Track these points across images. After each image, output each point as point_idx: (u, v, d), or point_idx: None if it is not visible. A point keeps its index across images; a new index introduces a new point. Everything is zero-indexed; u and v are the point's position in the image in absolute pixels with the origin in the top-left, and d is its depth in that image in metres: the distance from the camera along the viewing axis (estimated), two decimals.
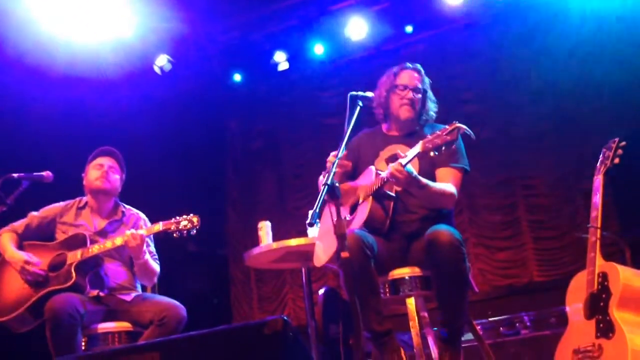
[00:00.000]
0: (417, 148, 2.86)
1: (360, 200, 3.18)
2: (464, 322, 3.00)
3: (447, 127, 2.80)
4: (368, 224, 3.10)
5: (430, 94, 3.38)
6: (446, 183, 3.12)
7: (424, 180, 3.01)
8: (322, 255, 3.13)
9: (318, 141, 6.87)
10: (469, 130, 2.80)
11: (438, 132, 2.80)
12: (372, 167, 3.19)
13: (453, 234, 2.92)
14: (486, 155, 6.18)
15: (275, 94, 7.40)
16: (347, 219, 3.22)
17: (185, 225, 3.44)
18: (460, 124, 2.78)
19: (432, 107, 3.38)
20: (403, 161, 2.89)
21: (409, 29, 6.50)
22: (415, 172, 2.96)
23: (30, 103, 5.53)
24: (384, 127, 3.46)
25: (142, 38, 6.17)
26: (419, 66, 3.41)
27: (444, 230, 2.92)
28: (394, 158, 2.98)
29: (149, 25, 6.11)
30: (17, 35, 5.26)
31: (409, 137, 3.29)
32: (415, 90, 3.32)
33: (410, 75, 3.35)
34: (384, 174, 3.00)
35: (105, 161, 3.76)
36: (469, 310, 3.08)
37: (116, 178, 3.77)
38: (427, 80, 3.40)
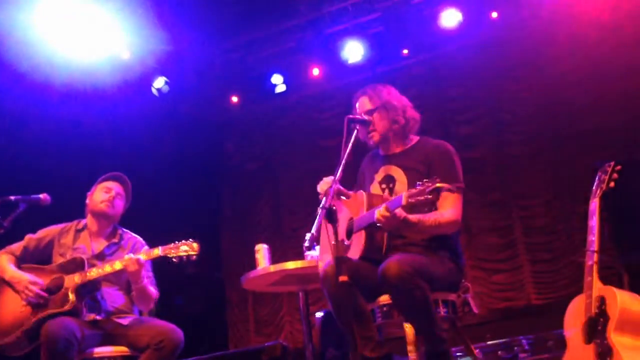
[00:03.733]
0: (402, 200, 2.78)
1: (355, 230, 3.17)
2: (443, 347, 2.89)
3: (429, 183, 2.70)
4: (365, 256, 3.07)
5: (393, 104, 3.25)
6: (443, 210, 3.06)
7: (415, 218, 2.94)
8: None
9: (315, 163, 6.88)
10: (453, 188, 2.81)
11: (421, 188, 2.71)
12: (364, 194, 3.14)
13: (401, 265, 2.80)
14: (481, 175, 6.20)
15: (272, 115, 7.43)
16: (346, 243, 3.20)
17: (185, 250, 3.41)
18: (441, 183, 2.70)
19: (403, 115, 3.24)
20: (391, 205, 2.81)
21: (405, 51, 6.55)
22: (404, 215, 2.88)
23: (27, 125, 5.54)
24: (380, 148, 3.42)
25: (140, 60, 6.22)
26: (368, 88, 3.30)
27: (392, 262, 2.83)
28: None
29: (147, 47, 6.16)
30: (15, 56, 5.28)
31: (402, 155, 3.25)
32: (367, 113, 3.24)
33: (359, 104, 3.29)
34: (378, 215, 2.88)
35: (115, 186, 3.76)
36: (465, 333, 3.07)
37: (120, 205, 3.77)
38: (384, 93, 3.27)
